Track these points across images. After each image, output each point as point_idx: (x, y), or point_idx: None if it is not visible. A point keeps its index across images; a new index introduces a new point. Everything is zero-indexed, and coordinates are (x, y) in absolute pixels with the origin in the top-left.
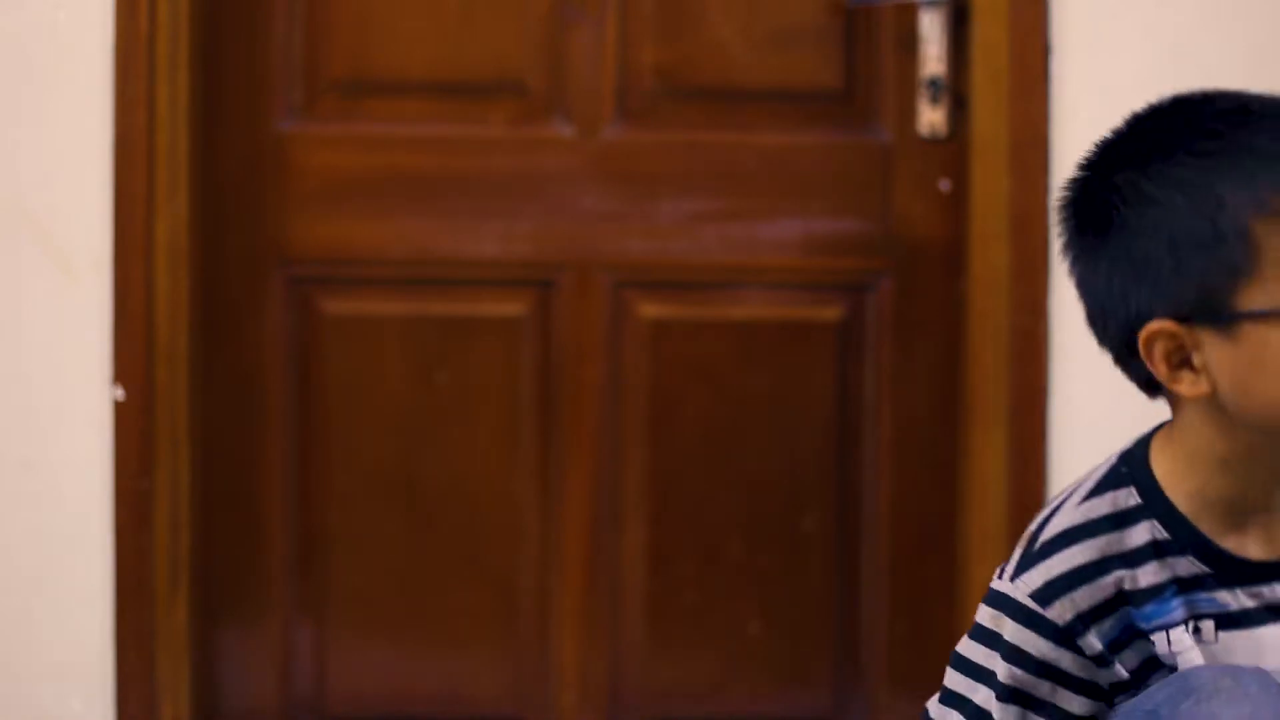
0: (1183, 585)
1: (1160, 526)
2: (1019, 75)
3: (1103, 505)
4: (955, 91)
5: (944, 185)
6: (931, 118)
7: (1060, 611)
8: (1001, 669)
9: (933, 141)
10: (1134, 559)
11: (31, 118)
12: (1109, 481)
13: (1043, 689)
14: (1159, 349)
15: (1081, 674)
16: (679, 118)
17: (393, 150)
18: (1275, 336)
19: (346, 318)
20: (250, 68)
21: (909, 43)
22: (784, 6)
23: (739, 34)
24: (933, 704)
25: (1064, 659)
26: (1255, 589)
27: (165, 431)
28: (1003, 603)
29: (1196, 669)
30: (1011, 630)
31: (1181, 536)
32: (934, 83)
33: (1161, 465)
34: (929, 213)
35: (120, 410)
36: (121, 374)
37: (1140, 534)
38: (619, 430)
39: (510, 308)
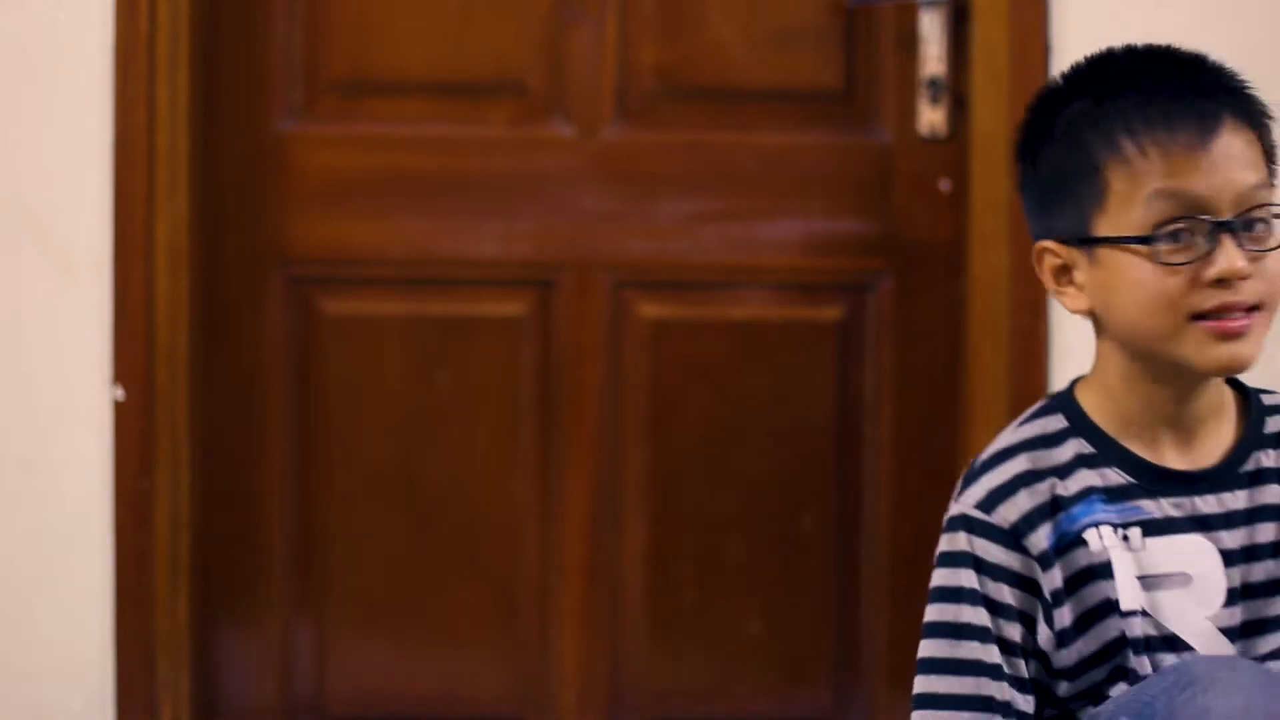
0: (1111, 495)
1: (1086, 443)
2: (1019, 75)
3: (1033, 429)
4: (955, 91)
5: (944, 185)
6: (931, 118)
7: (1004, 515)
8: (967, 578)
9: (933, 141)
10: (1064, 470)
11: (31, 118)
12: (1038, 411)
13: (1003, 593)
14: (1046, 264)
15: (1026, 574)
16: (679, 118)
17: (393, 150)
18: (1121, 260)
19: (346, 318)
20: (250, 68)
21: (909, 43)
22: (784, 6)
23: (739, 34)
24: (922, 644)
25: (1014, 561)
26: (1178, 499)
27: (165, 431)
28: (954, 523)
29: (1193, 660)
30: (965, 541)
31: (1105, 450)
32: (934, 83)
33: (1085, 394)
34: (929, 213)
35: (120, 410)
36: (121, 374)
37: (1068, 450)
38: (619, 430)
39: (510, 308)
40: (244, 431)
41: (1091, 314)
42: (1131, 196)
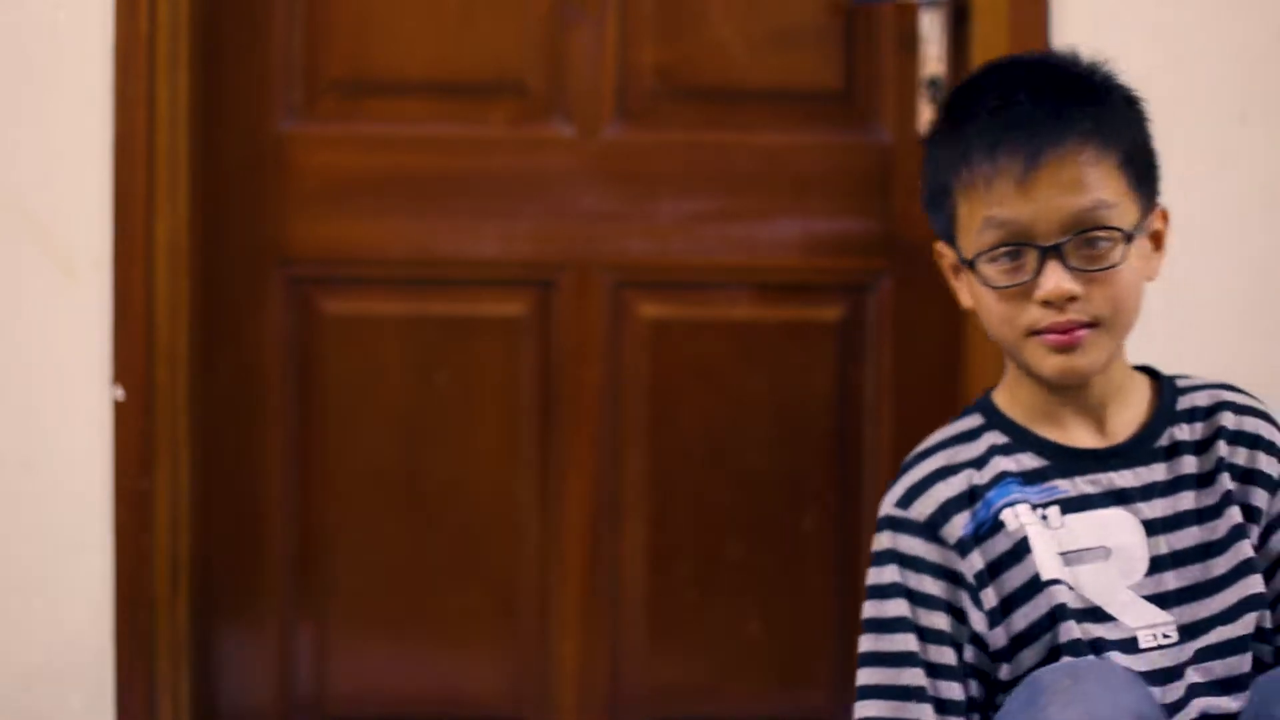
0: (1027, 478)
1: (1000, 434)
2: None
3: (951, 430)
4: None
5: None
6: (931, 118)
7: (921, 509)
8: (890, 573)
9: None
10: (979, 461)
11: (31, 118)
12: (959, 416)
13: (924, 584)
14: (944, 263)
15: (945, 562)
16: (679, 118)
17: (393, 150)
18: (972, 276)
19: (346, 318)
20: (250, 68)
21: (909, 43)
22: (784, 6)
23: (739, 34)
24: (859, 639)
25: (933, 553)
26: (1093, 476)
27: (165, 431)
28: (880, 523)
29: (1044, 670)
30: (888, 539)
31: (1019, 438)
32: (934, 83)
33: (999, 394)
34: None
35: (120, 410)
36: (121, 374)
37: (984, 442)
38: (619, 430)
39: (510, 308)
40: (244, 432)
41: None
42: (970, 223)
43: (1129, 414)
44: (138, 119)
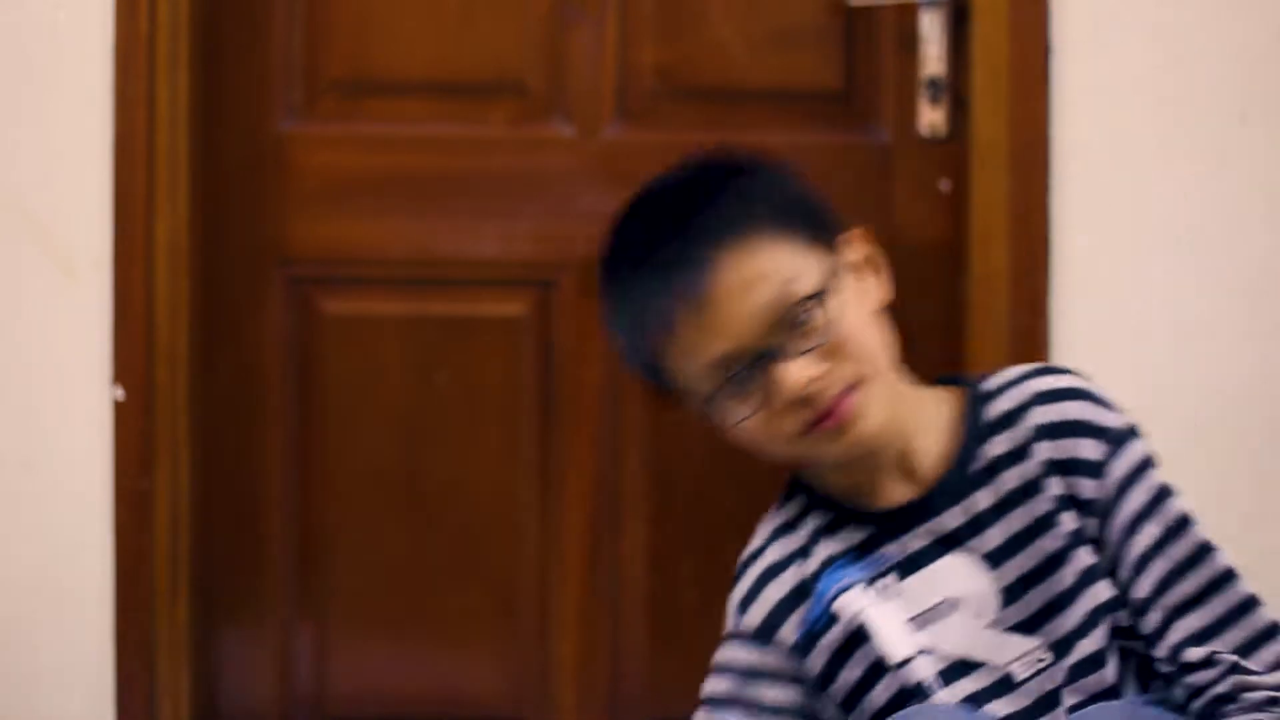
0: (856, 554)
1: (820, 514)
2: (1019, 75)
3: (776, 519)
4: (955, 91)
5: (944, 185)
6: (931, 118)
7: (754, 616)
8: (724, 685)
9: (933, 141)
10: (806, 550)
11: (31, 118)
12: (781, 501)
13: (758, 690)
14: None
15: (785, 667)
16: (679, 118)
17: (393, 150)
18: (720, 417)
19: (346, 318)
20: (250, 68)
21: (909, 43)
22: (784, 6)
23: (739, 34)
24: None
25: (769, 659)
26: (921, 528)
27: (165, 431)
28: (721, 641)
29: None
30: (725, 652)
31: (838, 514)
32: (934, 83)
33: (814, 472)
34: (929, 213)
35: (120, 410)
36: (121, 374)
37: (807, 529)
38: (619, 430)
39: (510, 308)
40: (244, 431)
41: None
42: (681, 373)
43: (936, 448)
44: (138, 119)
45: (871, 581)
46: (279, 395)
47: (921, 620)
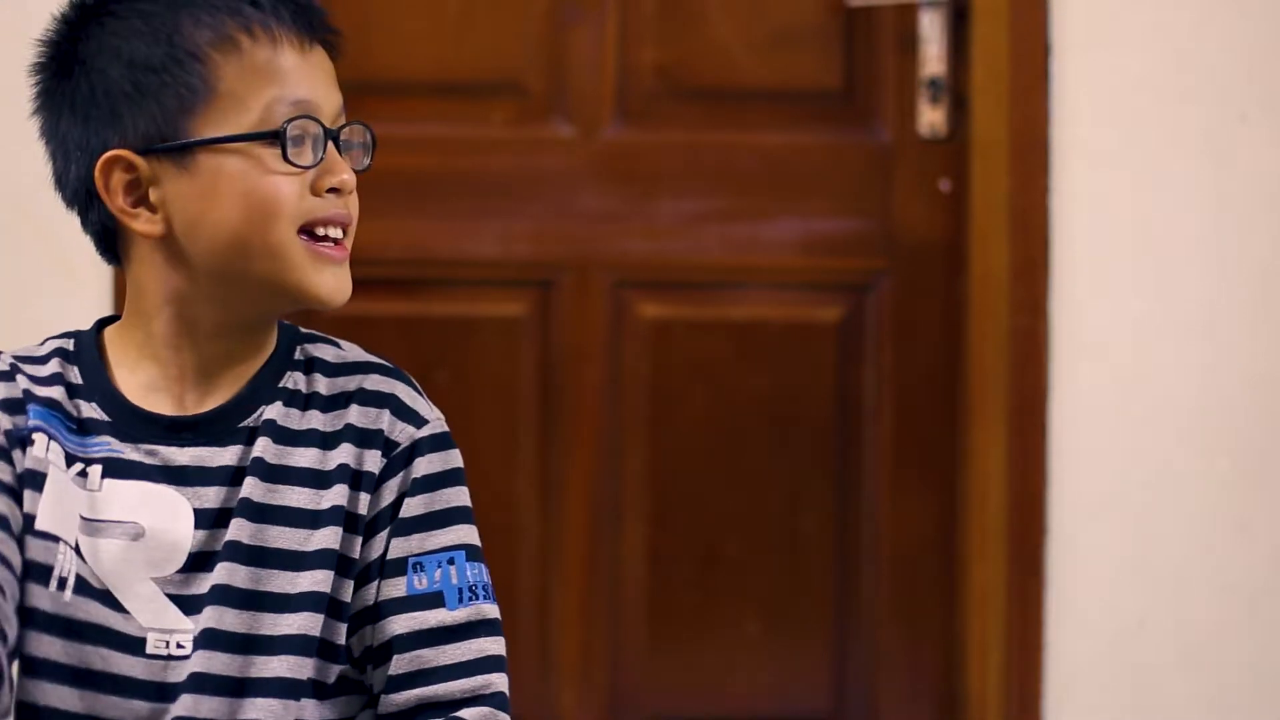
0: (84, 428)
1: (73, 369)
2: (1019, 75)
3: (46, 343)
4: (955, 91)
5: (944, 185)
6: (931, 118)
7: None
8: None
9: (933, 141)
10: (38, 380)
11: (31, 118)
12: (64, 334)
13: None
14: (116, 180)
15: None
16: (679, 118)
17: (393, 150)
18: (228, 164)
19: (346, 318)
20: None
21: (909, 43)
22: (784, 6)
23: (739, 34)
24: None
25: None
26: (153, 446)
27: None
28: None
29: None
30: None
31: (92, 382)
32: (934, 83)
33: (114, 328)
34: (929, 213)
35: None
36: None
37: (50, 366)
38: (619, 430)
39: (510, 308)
40: None
41: (164, 239)
42: (245, 93)
43: (236, 385)
44: None
45: (75, 459)
46: None
47: (98, 527)
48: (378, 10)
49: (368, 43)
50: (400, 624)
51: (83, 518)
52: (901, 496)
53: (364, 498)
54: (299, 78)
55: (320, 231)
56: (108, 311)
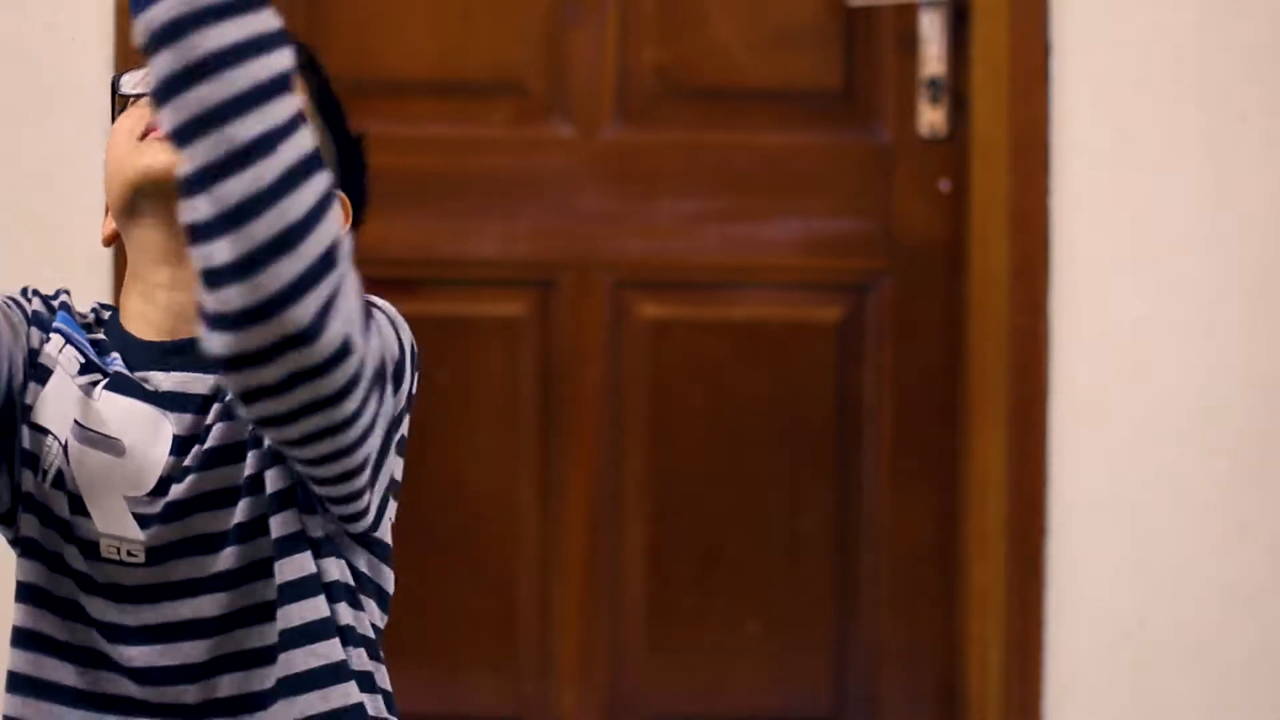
0: (103, 348)
1: (104, 328)
2: (1019, 75)
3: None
4: (955, 91)
5: (944, 185)
6: (931, 118)
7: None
8: None
9: (933, 141)
10: (72, 310)
11: (32, 118)
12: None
13: None
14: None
15: (14, 314)
16: (679, 118)
17: (393, 150)
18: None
19: None
20: None
21: (909, 43)
22: (784, 6)
23: (739, 34)
24: None
25: (13, 305)
26: (147, 373)
27: None
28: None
29: None
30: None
31: (111, 329)
32: (934, 83)
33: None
34: (929, 213)
35: None
36: None
37: (89, 317)
38: (619, 430)
39: (510, 308)
40: None
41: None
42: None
43: None
44: None
45: (86, 368)
46: None
47: (88, 436)
48: (378, 10)
49: (368, 42)
50: None
51: (76, 422)
52: (901, 496)
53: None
54: None
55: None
56: None
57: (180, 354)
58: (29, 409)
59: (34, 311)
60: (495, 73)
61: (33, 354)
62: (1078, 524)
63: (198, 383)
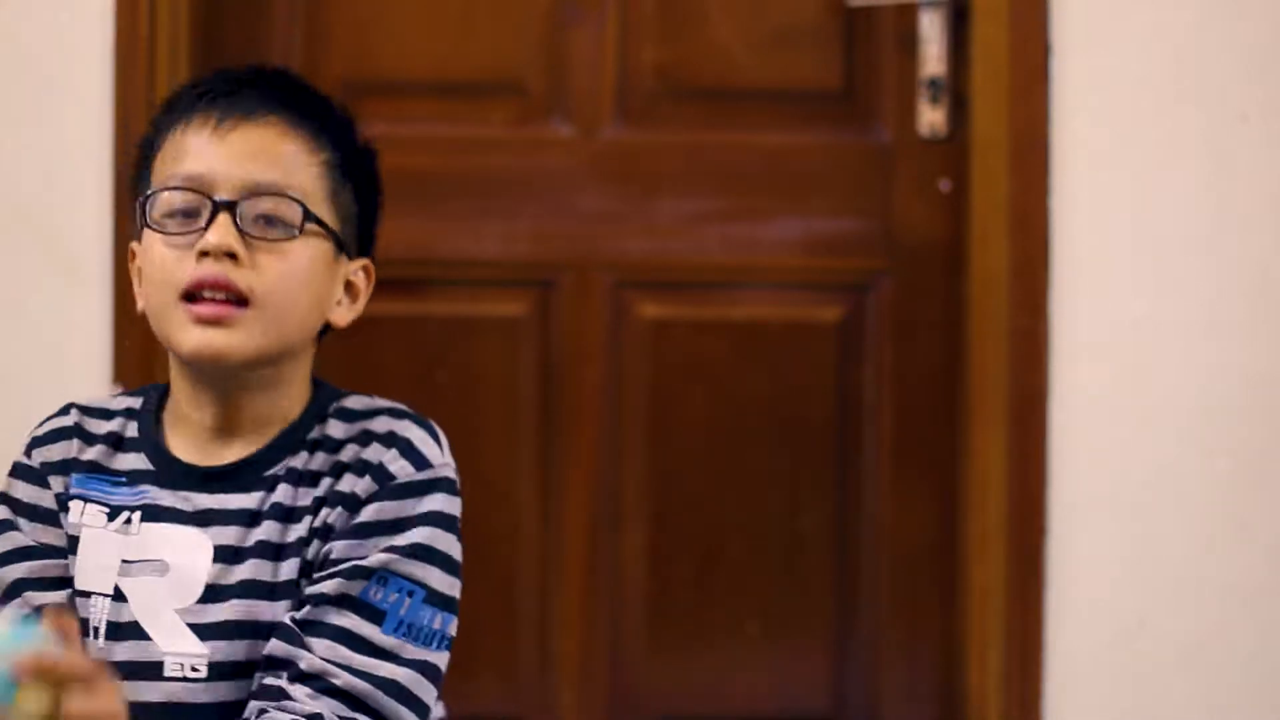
0: (130, 478)
1: (133, 424)
2: (1019, 75)
3: (117, 397)
4: (955, 91)
5: (944, 185)
6: (931, 118)
7: (37, 458)
8: (3, 511)
9: (933, 141)
10: (92, 439)
11: (32, 118)
12: (142, 390)
13: (22, 530)
14: (132, 268)
15: (54, 507)
16: (679, 118)
17: (393, 150)
18: (148, 240)
19: None
20: None
21: (909, 43)
22: (784, 6)
23: (739, 34)
24: None
25: (43, 497)
26: (187, 493)
27: None
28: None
29: None
30: (4, 481)
31: (144, 435)
32: (934, 83)
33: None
34: (929, 213)
35: None
36: (122, 374)
37: (113, 424)
38: (619, 430)
39: (510, 308)
40: None
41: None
42: (156, 175)
43: (262, 438)
44: (138, 120)
45: (117, 511)
46: None
47: (135, 567)
48: (377, 10)
49: (367, 43)
50: (333, 615)
51: (123, 561)
52: (901, 496)
53: (338, 511)
54: (197, 154)
55: (206, 294)
56: (106, 313)
57: (220, 479)
58: (71, 581)
59: (57, 494)
60: (495, 73)
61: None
62: (1078, 524)
63: (241, 500)
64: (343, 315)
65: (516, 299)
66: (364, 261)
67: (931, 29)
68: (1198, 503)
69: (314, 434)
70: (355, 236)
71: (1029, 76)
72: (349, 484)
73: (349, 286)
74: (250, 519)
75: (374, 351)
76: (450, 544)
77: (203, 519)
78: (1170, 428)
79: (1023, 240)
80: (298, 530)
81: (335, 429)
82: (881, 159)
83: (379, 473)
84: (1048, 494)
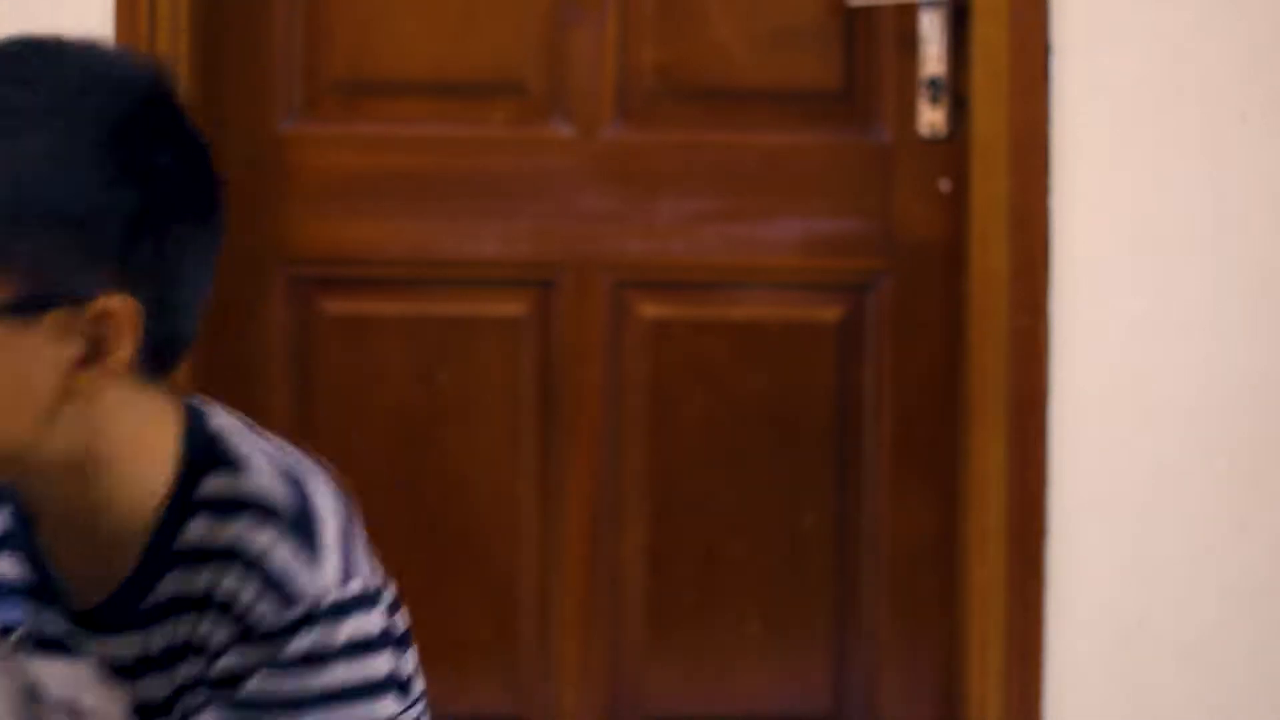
0: (30, 593)
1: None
2: (1019, 75)
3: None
4: (955, 91)
5: (944, 185)
6: (931, 118)
7: None
8: None
9: (933, 141)
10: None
11: None
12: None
13: None
14: None
15: None
16: (679, 118)
17: (393, 150)
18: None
19: (347, 317)
20: (251, 68)
21: (909, 43)
22: (784, 6)
23: (739, 34)
24: None
25: None
26: (78, 628)
27: None
28: None
29: None
30: None
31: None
32: (934, 83)
33: None
34: (929, 213)
35: None
36: None
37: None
38: (619, 430)
39: (510, 308)
40: None
41: None
42: None
43: (127, 557)
44: None
45: (25, 636)
46: (279, 395)
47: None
48: (377, 10)
49: (367, 42)
50: None
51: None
52: (901, 496)
53: (206, 663)
54: None
55: None
56: None
57: (97, 617)
58: None
59: None
60: (495, 73)
61: None
62: (1078, 524)
63: (126, 644)
64: (87, 386)
65: (516, 299)
66: (107, 300)
67: (931, 29)
68: (1198, 503)
69: (181, 540)
70: (74, 269)
71: (1029, 76)
72: (209, 628)
73: (94, 341)
74: (145, 668)
75: (374, 351)
76: (363, 681)
77: (99, 651)
78: (1170, 428)
79: (1023, 240)
80: (177, 677)
81: (196, 531)
82: (881, 159)
83: (242, 615)
84: (1048, 494)
